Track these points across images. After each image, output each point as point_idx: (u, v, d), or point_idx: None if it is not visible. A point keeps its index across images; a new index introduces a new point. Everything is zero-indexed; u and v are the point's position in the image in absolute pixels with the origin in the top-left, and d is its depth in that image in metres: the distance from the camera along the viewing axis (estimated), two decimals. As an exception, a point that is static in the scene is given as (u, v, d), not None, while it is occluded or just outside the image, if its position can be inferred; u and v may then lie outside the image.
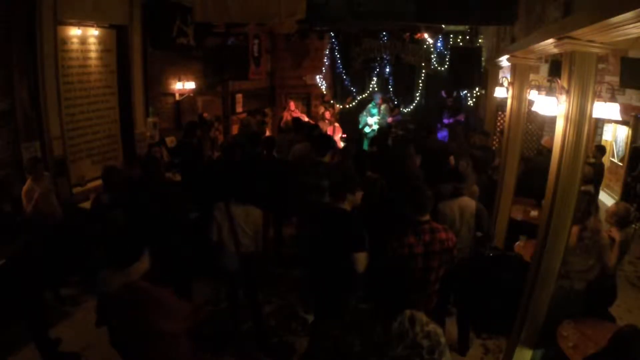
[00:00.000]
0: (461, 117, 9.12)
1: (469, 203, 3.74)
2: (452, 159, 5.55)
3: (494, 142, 8.39)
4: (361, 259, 3.06)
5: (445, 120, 9.17)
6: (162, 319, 2.26)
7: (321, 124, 9.44)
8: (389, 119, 9.40)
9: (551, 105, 3.36)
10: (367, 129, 9.44)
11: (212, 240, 3.68)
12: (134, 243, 2.37)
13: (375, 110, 9.47)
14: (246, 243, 3.67)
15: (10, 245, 3.62)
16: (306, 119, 8.90)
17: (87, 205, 5.08)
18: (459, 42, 9.00)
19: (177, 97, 7.57)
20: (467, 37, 9.02)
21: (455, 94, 9.46)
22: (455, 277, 3.49)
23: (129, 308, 2.24)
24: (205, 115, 7.89)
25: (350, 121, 10.11)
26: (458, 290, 3.94)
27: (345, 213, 3.20)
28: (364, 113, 9.57)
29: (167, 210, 3.89)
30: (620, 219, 3.64)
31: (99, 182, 5.34)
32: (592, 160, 6.23)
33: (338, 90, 10.52)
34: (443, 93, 9.65)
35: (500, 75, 7.03)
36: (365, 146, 9.27)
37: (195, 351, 2.49)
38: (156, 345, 2.29)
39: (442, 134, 8.59)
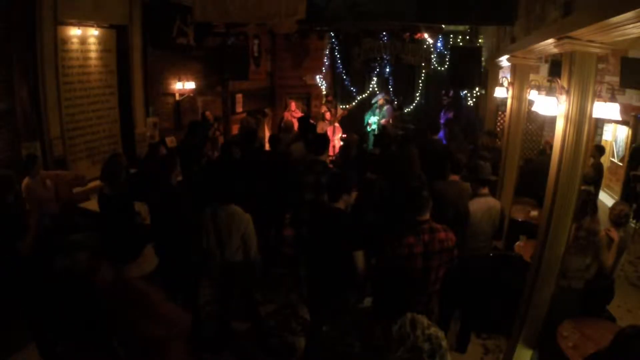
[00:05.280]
0: (449, 114, 9.06)
1: (495, 203, 3.93)
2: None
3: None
4: (359, 257, 3.08)
5: (442, 120, 9.12)
6: (151, 323, 2.17)
7: (321, 124, 9.45)
8: (383, 120, 9.35)
9: (551, 105, 3.37)
10: (367, 129, 9.46)
11: (202, 247, 3.56)
12: (134, 241, 2.31)
13: (377, 110, 9.50)
14: (232, 250, 3.53)
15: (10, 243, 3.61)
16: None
17: (87, 205, 5.08)
18: (459, 42, 8.98)
19: (177, 97, 7.57)
20: (467, 37, 9.00)
21: (451, 92, 9.44)
22: (456, 277, 3.50)
23: (121, 307, 2.15)
24: (207, 114, 7.89)
25: (350, 121, 10.10)
26: (459, 290, 3.94)
27: (340, 212, 3.23)
28: (369, 112, 9.59)
29: (175, 209, 3.86)
30: (616, 218, 3.66)
31: (99, 182, 5.32)
32: (591, 160, 6.23)
33: (338, 90, 10.51)
34: (444, 92, 9.64)
35: (500, 75, 7.03)
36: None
37: (191, 355, 2.40)
38: (146, 351, 2.19)
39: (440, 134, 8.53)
